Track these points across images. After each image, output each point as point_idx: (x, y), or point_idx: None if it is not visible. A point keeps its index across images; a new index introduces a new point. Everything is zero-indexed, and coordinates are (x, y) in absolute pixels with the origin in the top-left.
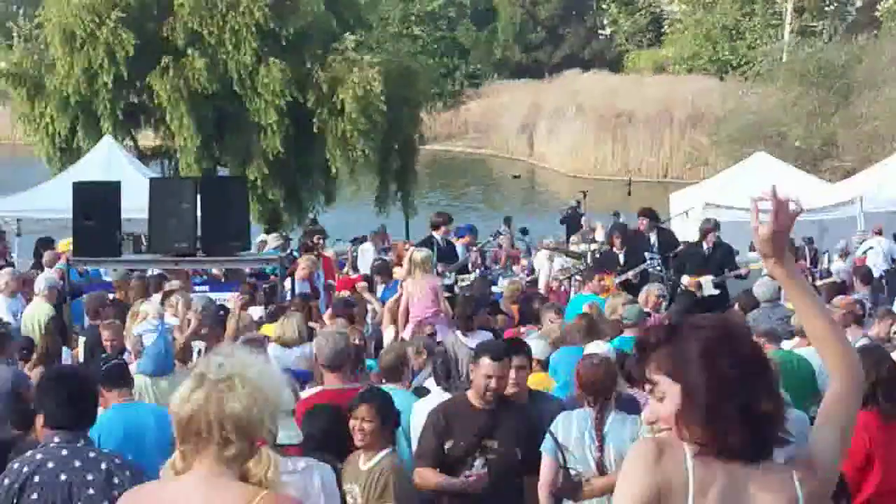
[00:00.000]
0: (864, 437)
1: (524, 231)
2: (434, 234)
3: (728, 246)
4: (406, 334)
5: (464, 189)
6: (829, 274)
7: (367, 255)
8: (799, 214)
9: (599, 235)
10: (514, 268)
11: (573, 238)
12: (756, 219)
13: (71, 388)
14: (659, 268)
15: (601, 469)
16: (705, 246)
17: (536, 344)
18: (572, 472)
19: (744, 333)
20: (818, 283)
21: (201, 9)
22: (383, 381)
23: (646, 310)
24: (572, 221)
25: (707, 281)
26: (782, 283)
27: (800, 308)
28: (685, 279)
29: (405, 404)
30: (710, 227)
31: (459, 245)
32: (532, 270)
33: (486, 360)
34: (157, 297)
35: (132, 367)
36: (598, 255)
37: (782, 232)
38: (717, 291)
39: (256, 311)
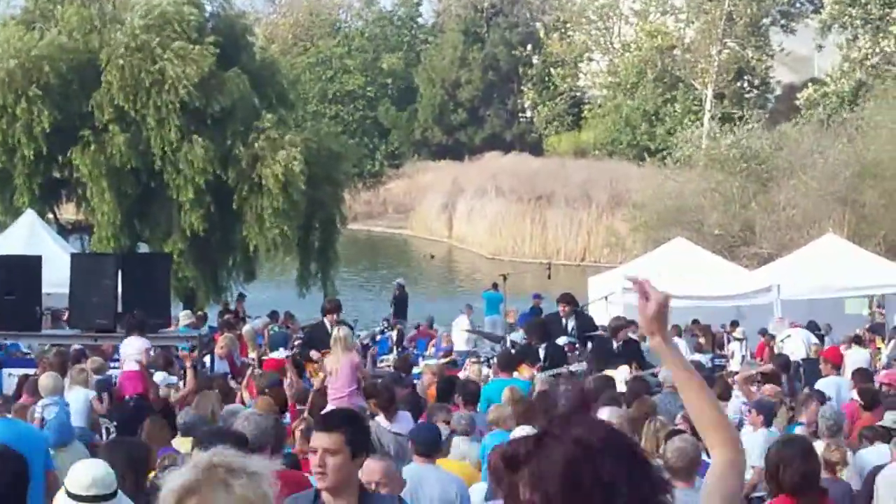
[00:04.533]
0: None
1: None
2: (325, 319)
3: (638, 344)
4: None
5: (382, 269)
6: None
7: None
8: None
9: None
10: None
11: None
12: (643, 298)
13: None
14: (578, 356)
15: None
16: (615, 343)
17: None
18: None
19: (617, 445)
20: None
21: (126, 85)
22: None
23: None
24: (399, 302)
25: (620, 373)
26: (665, 359)
27: (681, 383)
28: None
29: None
30: (622, 324)
31: None
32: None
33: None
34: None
35: None
36: (517, 347)
37: (664, 309)
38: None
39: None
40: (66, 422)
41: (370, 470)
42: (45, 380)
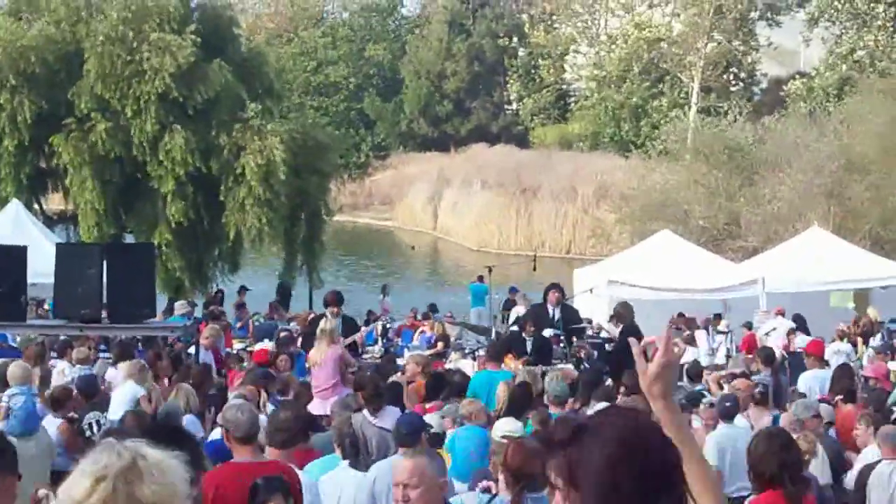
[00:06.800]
0: None
1: (433, 308)
2: (327, 311)
3: (573, 309)
4: (311, 407)
5: (368, 261)
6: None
7: None
8: (681, 354)
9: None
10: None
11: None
12: (641, 360)
13: None
14: (563, 346)
15: None
16: (550, 308)
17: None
18: None
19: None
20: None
21: (107, 75)
22: None
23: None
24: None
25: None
26: (666, 425)
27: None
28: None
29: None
30: (553, 290)
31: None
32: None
33: None
34: (59, 361)
35: None
36: (505, 336)
37: (670, 367)
38: None
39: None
40: (33, 411)
41: (400, 469)
42: (14, 369)
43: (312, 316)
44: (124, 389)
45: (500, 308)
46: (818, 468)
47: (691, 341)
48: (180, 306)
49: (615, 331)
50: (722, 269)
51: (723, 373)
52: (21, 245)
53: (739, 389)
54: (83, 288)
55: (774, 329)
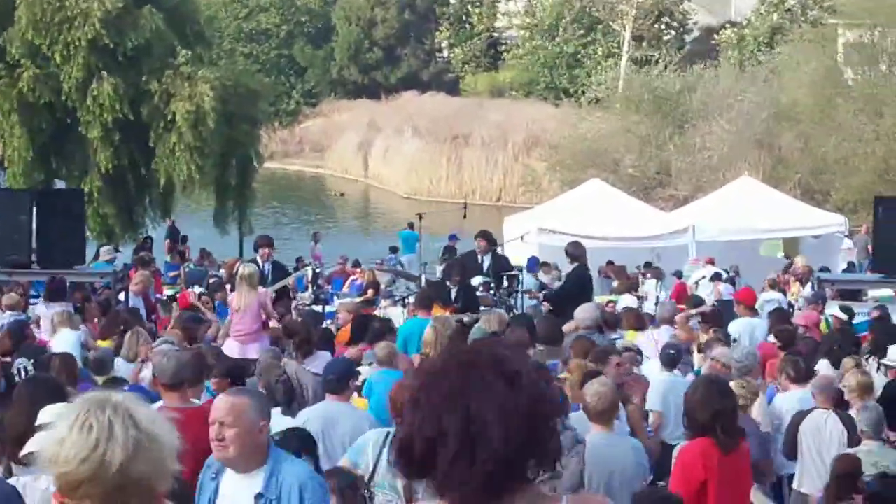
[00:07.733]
0: (701, 464)
1: (393, 249)
2: (257, 255)
3: (504, 257)
4: (227, 349)
5: (299, 208)
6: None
7: None
8: None
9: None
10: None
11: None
12: None
13: None
14: (493, 293)
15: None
16: (479, 256)
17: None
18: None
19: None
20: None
21: (37, 21)
22: None
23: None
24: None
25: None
26: None
27: None
28: None
29: None
30: (479, 238)
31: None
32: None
33: None
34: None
35: None
36: (432, 285)
37: None
38: None
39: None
40: None
41: (217, 406)
42: None
43: (241, 263)
44: (64, 337)
45: (440, 256)
46: (759, 414)
47: (631, 289)
48: (105, 252)
49: (546, 278)
50: (652, 217)
51: (692, 312)
52: None
53: (681, 340)
54: (13, 233)
55: (704, 278)
